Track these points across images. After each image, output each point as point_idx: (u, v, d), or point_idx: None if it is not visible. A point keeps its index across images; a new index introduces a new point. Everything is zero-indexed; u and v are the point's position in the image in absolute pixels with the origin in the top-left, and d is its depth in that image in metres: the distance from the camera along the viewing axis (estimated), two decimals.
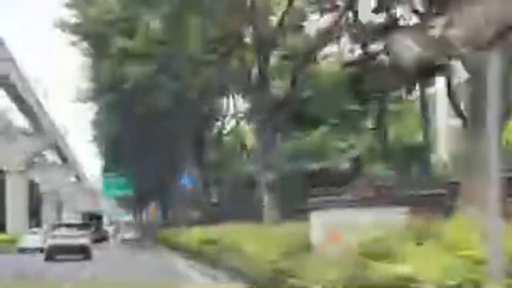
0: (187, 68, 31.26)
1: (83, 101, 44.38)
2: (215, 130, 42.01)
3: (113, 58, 30.51)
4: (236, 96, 38.53)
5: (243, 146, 42.39)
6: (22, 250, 35.85)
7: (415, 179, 25.69)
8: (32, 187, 71.08)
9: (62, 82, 68.94)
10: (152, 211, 73.92)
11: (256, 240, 12.23)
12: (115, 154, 54.87)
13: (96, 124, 52.03)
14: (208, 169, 40.81)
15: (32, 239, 36.94)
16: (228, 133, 42.15)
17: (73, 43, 32.97)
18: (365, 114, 34.33)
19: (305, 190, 30.25)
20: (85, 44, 33.49)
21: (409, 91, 26.75)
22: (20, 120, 64.55)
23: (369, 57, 24.80)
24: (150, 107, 36.81)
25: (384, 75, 24.84)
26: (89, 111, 48.21)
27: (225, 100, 40.09)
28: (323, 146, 32.82)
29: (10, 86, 54.45)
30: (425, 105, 27.11)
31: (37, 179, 77.00)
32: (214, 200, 43.21)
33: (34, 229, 44.42)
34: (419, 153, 28.98)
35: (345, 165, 32.73)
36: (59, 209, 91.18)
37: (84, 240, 26.57)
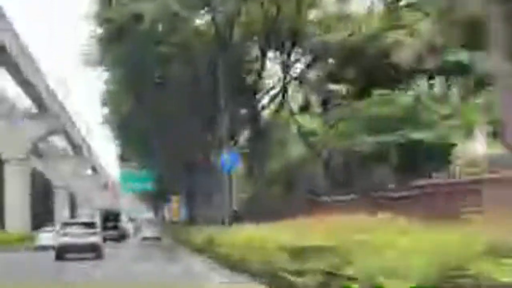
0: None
1: (91, 63, 35.42)
2: (260, 97, 32.14)
3: None
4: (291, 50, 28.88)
5: (294, 118, 32.62)
6: (39, 248, 37.59)
7: None
8: (35, 177, 62.37)
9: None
10: (174, 207, 65.61)
11: None
12: (132, 138, 45.82)
13: (105, 98, 42.54)
14: (250, 152, 31.24)
15: (47, 237, 37.63)
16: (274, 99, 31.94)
17: None
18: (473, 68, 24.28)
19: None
20: None
21: None
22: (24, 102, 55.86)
23: None
24: (172, 62, 27.84)
25: None
26: (98, 80, 39.17)
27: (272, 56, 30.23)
28: (417, 110, 22.99)
29: (12, 65, 46.51)
30: None
31: (40, 167, 68.17)
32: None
33: (48, 228, 42.99)
34: None
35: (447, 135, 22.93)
36: (73, 206, 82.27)
37: (95, 239, 25.82)
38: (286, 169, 34.97)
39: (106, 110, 46.94)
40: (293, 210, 25.30)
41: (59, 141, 72.16)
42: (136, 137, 43.36)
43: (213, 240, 19.92)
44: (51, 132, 57.44)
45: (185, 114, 33.58)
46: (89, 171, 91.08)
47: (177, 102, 33.60)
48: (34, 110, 55.65)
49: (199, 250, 24.95)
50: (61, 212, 72.09)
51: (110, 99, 41.34)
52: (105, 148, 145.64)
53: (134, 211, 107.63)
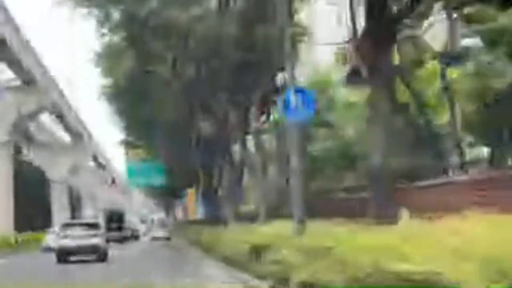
0: None
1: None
2: None
3: None
4: None
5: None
6: (45, 250, 37.39)
7: None
8: (23, 166, 55.50)
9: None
10: (189, 203, 60.02)
11: None
12: (134, 110, 37.02)
13: (99, 57, 32.99)
14: None
15: (51, 239, 36.98)
16: None
17: None
18: None
19: None
20: None
21: None
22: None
23: None
24: None
25: None
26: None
27: None
28: None
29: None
30: None
31: (31, 156, 59.86)
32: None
33: (51, 229, 42.15)
34: None
35: None
36: (73, 203, 72.87)
37: (97, 240, 25.19)
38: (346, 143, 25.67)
39: (103, 80, 37.69)
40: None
41: (56, 129, 63.39)
42: (139, 107, 34.90)
43: None
44: (41, 109, 48.37)
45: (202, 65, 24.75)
46: (91, 163, 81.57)
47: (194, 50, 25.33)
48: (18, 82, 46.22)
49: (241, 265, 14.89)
50: (60, 210, 63.07)
51: (105, 54, 31.91)
52: (109, 141, 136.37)
53: (144, 212, 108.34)
